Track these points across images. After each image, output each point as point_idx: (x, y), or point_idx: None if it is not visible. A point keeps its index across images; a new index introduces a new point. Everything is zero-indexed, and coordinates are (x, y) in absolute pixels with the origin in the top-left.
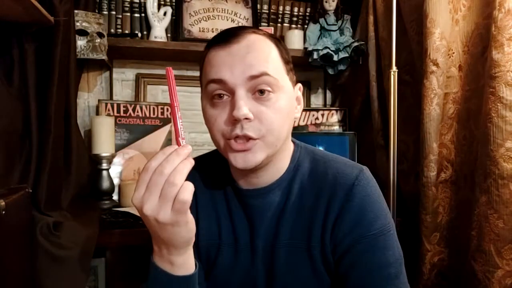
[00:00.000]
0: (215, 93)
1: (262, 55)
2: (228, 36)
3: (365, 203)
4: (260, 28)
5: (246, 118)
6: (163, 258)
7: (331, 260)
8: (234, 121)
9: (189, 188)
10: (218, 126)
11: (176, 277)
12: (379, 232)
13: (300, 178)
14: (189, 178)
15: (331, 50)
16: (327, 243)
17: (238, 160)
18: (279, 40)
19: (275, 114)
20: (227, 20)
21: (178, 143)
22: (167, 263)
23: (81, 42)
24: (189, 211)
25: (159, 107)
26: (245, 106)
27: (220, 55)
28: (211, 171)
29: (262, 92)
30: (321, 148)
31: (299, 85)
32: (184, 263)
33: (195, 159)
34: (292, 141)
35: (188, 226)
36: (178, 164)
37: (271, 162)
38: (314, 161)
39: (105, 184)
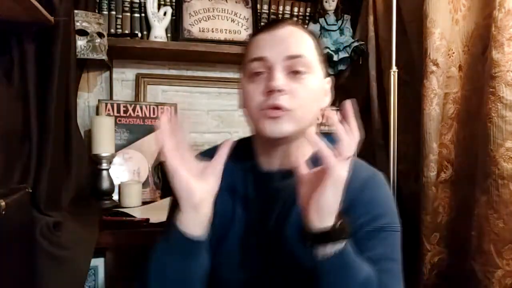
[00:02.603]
0: (255, 71)
1: (300, 40)
2: (272, 24)
3: (377, 197)
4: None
5: (280, 90)
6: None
7: None
8: (269, 92)
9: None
10: (255, 97)
11: (181, 234)
12: (387, 227)
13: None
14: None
15: (331, 50)
16: None
17: (267, 127)
18: (315, 36)
19: (307, 92)
20: (227, 20)
21: None
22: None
23: (81, 42)
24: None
25: (159, 107)
26: (280, 78)
27: (264, 38)
28: (232, 156)
29: (297, 72)
30: None
31: (329, 78)
32: (188, 223)
33: (216, 147)
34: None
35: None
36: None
37: (295, 143)
38: None
39: (105, 184)
